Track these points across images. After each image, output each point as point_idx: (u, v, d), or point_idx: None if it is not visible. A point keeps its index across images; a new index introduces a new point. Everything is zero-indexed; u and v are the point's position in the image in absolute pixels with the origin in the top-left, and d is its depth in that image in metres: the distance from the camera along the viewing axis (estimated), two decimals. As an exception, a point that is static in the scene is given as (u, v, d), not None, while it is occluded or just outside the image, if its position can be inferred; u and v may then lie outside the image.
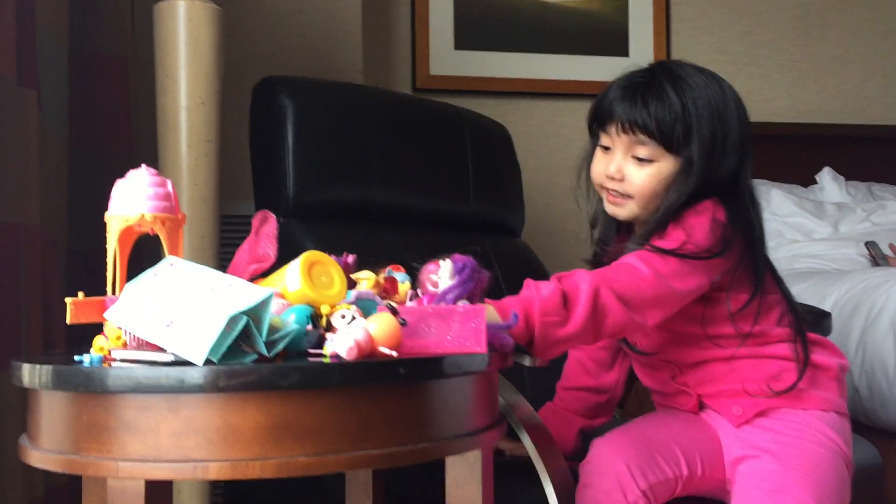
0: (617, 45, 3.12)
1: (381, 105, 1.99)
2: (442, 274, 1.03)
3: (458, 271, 1.01)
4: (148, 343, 0.87)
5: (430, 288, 1.04)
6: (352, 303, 1.01)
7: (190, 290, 0.89)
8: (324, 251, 1.85)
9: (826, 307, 2.09)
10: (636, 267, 1.15)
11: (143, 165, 1.02)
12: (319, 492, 1.42)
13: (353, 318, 0.91)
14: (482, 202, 2.14)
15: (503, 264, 2.11)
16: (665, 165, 1.23)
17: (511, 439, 1.36)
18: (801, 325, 1.26)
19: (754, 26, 3.24)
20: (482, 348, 0.91)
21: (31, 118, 1.40)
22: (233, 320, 0.83)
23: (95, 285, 1.61)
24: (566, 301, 1.09)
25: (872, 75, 3.30)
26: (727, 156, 1.22)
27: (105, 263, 1.00)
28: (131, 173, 1.02)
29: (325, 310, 0.93)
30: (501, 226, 2.22)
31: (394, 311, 0.90)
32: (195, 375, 0.80)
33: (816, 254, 2.73)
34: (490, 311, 1.05)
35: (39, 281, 1.38)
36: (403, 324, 0.89)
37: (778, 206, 2.95)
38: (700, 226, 1.19)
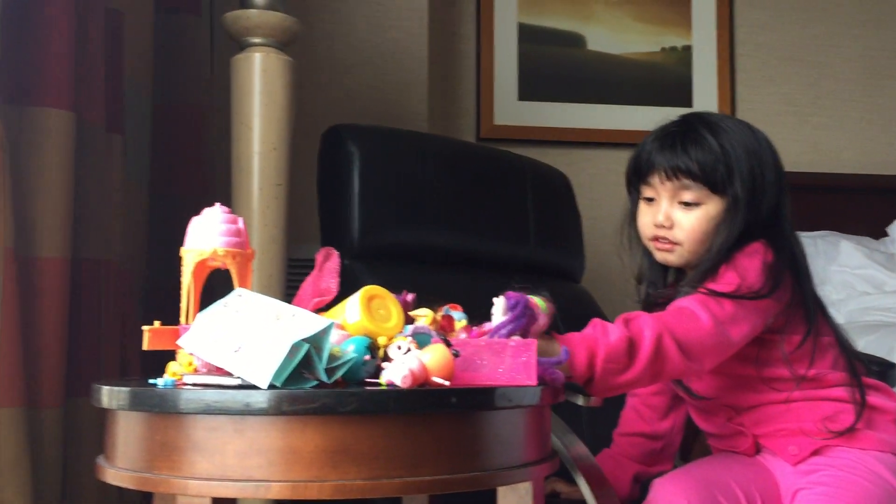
0: (680, 95, 3.14)
1: (444, 152, 2.05)
2: (495, 310, 1.06)
3: (510, 307, 1.04)
4: (217, 368, 0.93)
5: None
6: (408, 336, 1.05)
7: (256, 319, 0.94)
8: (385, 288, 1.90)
9: (894, 360, 2.04)
10: (695, 313, 1.16)
11: (217, 204, 1.09)
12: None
13: (409, 349, 0.95)
14: (542, 247, 2.17)
15: (561, 309, 2.11)
16: (712, 207, 1.26)
17: (568, 482, 1.38)
18: (855, 368, 1.26)
19: (820, 77, 3.23)
20: (532, 381, 0.94)
21: (117, 162, 1.50)
22: (295, 347, 0.88)
23: (170, 316, 1.69)
24: (631, 349, 1.11)
25: (941, 125, 3.25)
26: (767, 193, 1.26)
27: (180, 295, 1.06)
28: (206, 211, 1.09)
29: (382, 341, 0.97)
30: (561, 271, 2.24)
31: (447, 344, 0.94)
32: (260, 399, 0.85)
33: (888, 307, 2.67)
34: (548, 347, 1.08)
35: (119, 311, 1.47)
36: (456, 355, 0.93)
37: (848, 258, 2.90)
38: (753, 268, 1.21)
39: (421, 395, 0.88)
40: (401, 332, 1.02)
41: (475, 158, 2.15)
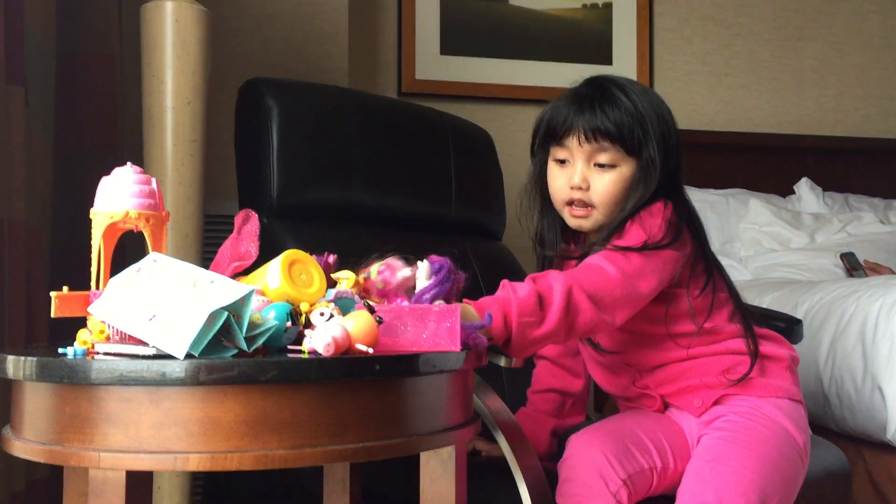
0: (600, 53, 3.17)
1: (365, 108, 2.01)
2: (419, 274, 1.05)
3: (434, 272, 1.04)
4: (130, 337, 0.89)
5: (393, 281, 1.07)
6: (331, 301, 1.03)
7: (172, 286, 0.91)
8: (306, 250, 1.88)
9: (798, 315, 2.13)
10: (603, 268, 1.19)
11: (129, 163, 1.05)
12: (297, 487, 1.45)
13: (332, 315, 0.93)
14: (464, 206, 2.17)
15: (483, 267, 2.14)
16: (626, 169, 1.28)
17: (488, 440, 1.40)
18: (749, 321, 1.33)
19: (734, 37, 3.29)
20: (456, 347, 0.94)
21: (18, 115, 1.42)
22: (213, 315, 0.85)
23: (79, 280, 1.63)
24: (541, 302, 1.13)
25: (850, 87, 3.36)
26: (673, 155, 1.30)
27: (89, 259, 1.02)
28: (117, 171, 1.04)
29: (304, 307, 0.96)
30: (483, 229, 2.25)
31: (371, 310, 0.93)
32: (176, 369, 0.82)
33: (793, 263, 2.78)
34: (468, 311, 1.08)
35: (24, 275, 1.40)
36: (380, 322, 0.92)
37: (756, 215, 3.00)
38: (656, 224, 1.25)
39: (343, 363, 0.86)
40: (323, 297, 1.01)
41: (397, 115, 2.12)
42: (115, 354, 0.90)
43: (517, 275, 2.19)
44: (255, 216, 1.09)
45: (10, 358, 0.89)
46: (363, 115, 1.98)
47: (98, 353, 0.91)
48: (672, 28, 3.23)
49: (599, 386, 1.44)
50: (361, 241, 1.92)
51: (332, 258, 1.24)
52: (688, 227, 1.29)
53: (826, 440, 1.63)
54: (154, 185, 1.05)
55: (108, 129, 1.78)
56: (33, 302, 1.44)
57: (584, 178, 1.29)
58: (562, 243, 1.38)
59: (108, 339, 0.94)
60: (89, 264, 1.04)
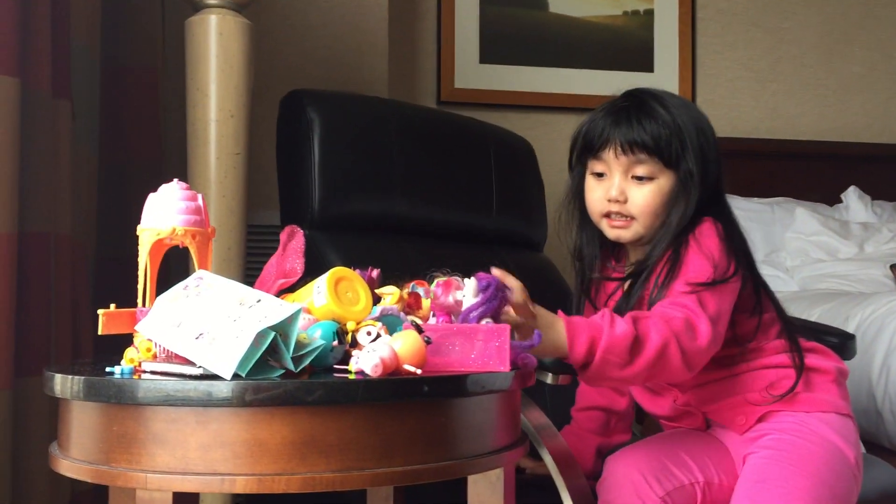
0: (642, 60, 3.13)
1: (406, 119, 2.00)
2: (466, 292, 1.03)
3: (482, 289, 1.02)
4: (177, 356, 0.89)
5: (445, 301, 1.05)
6: (377, 318, 1.02)
7: (219, 304, 0.90)
8: (347, 263, 1.86)
9: (849, 329, 2.07)
10: (698, 325, 1.15)
11: (175, 180, 1.04)
12: (341, 502, 1.44)
13: (379, 335, 0.92)
14: (505, 216, 2.15)
15: (524, 278, 2.10)
16: (665, 181, 1.26)
17: (533, 458, 1.37)
18: (794, 334, 1.29)
19: (779, 43, 3.23)
20: (505, 367, 0.92)
21: (64, 129, 1.43)
22: (261, 335, 0.84)
23: (123, 293, 1.63)
24: (635, 347, 1.10)
25: (899, 93, 3.28)
26: (713, 167, 1.27)
27: (134, 273, 1.02)
28: (163, 187, 1.04)
29: (350, 326, 0.94)
30: (524, 240, 2.22)
31: (419, 329, 0.91)
32: (223, 389, 0.82)
33: (841, 274, 2.71)
34: (557, 322, 1.07)
35: (69, 289, 1.41)
36: (428, 342, 0.90)
37: (802, 224, 2.93)
38: (715, 248, 1.22)
39: (391, 384, 0.85)
40: (369, 314, 0.99)
41: (438, 125, 2.10)
42: (161, 373, 0.89)
43: (559, 287, 2.17)
44: (300, 232, 1.08)
45: (58, 376, 0.89)
46: (404, 126, 1.97)
47: (145, 372, 0.91)
48: (715, 33, 3.18)
49: (641, 406, 1.41)
50: (402, 253, 1.91)
51: (375, 272, 1.22)
52: (738, 247, 1.26)
53: (880, 459, 1.58)
54: (200, 201, 1.05)
55: (152, 141, 1.79)
56: (79, 315, 1.45)
57: (622, 191, 1.26)
58: (601, 259, 1.36)
59: (154, 357, 0.93)
60: (133, 277, 1.04)
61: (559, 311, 1.11)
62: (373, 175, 1.89)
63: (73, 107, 1.49)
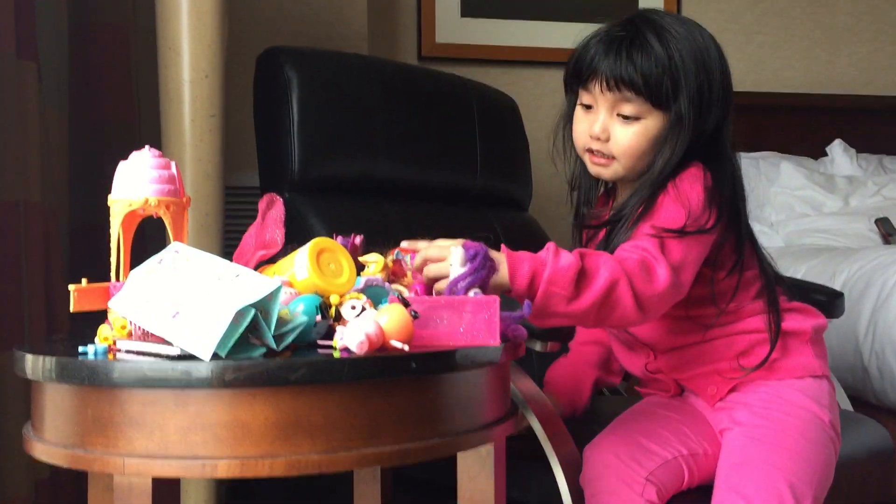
0: (627, 11, 3.05)
1: (387, 76, 1.95)
2: (452, 261, 1.00)
3: (469, 258, 0.98)
4: (153, 334, 0.85)
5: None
6: (361, 290, 0.98)
7: (196, 280, 0.86)
8: (329, 226, 1.83)
9: (836, 285, 2.07)
10: (655, 267, 1.09)
11: (147, 147, 0.99)
12: (327, 483, 1.42)
13: (364, 308, 0.88)
14: (490, 176, 2.11)
15: (510, 239, 2.08)
16: (652, 122, 1.18)
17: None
18: (775, 298, 1.23)
19: (765, -7, 3.18)
20: (495, 340, 0.89)
21: (31, 92, 1.37)
22: (240, 313, 0.81)
23: (99, 262, 1.59)
24: (581, 278, 1.04)
25: (884, 45, 3.24)
26: (713, 110, 1.17)
27: (107, 238, 0.97)
28: (134, 155, 0.99)
29: (334, 299, 0.91)
30: (509, 200, 2.19)
31: (405, 303, 0.88)
32: (202, 370, 0.78)
33: (826, 228, 2.70)
34: (501, 266, 1.02)
35: (42, 258, 1.36)
36: (415, 316, 0.87)
37: (788, 178, 2.91)
38: (695, 197, 1.15)
39: (378, 361, 0.82)
40: (353, 286, 0.96)
41: (420, 83, 2.05)
42: (137, 353, 0.85)
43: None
44: (279, 201, 1.04)
45: (29, 357, 0.85)
46: (386, 84, 1.92)
47: (120, 351, 0.87)
48: (701, -16, 3.12)
49: (620, 361, 1.38)
50: (385, 215, 1.88)
51: (358, 239, 1.19)
52: (727, 199, 1.18)
53: (867, 417, 1.58)
54: (174, 169, 1.00)
55: (125, 102, 1.73)
56: (52, 286, 1.40)
57: (605, 129, 1.19)
58: (595, 192, 1.29)
59: (130, 335, 0.90)
60: (107, 244, 0.99)
61: (502, 246, 1.04)
62: (354, 135, 1.84)
63: (41, 68, 1.43)
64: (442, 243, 1.03)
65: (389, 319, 0.85)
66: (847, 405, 1.77)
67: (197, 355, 0.79)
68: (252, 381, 0.78)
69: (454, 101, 2.09)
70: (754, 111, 3.07)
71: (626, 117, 1.18)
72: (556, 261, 1.04)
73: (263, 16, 2.31)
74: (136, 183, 0.96)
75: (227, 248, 1.78)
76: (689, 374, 1.26)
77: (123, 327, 0.90)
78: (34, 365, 0.85)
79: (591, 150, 1.22)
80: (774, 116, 3.10)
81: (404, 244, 1.07)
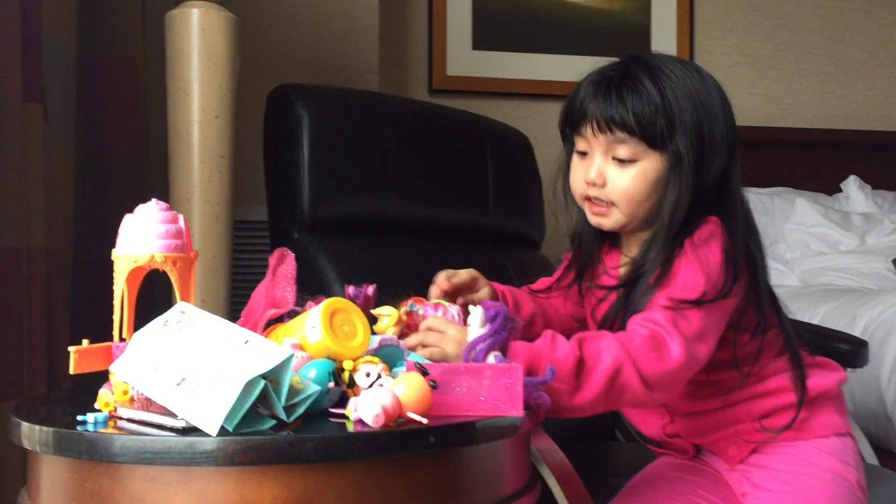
0: (639, 45, 3.04)
1: (399, 114, 1.92)
2: (472, 321, 0.96)
3: (489, 319, 0.94)
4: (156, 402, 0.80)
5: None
6: (375, 350, 0.94)
7: (202, 345, 0.82)
8: (339, 268, 1.78)
9: (856, 330, 2.01)
10: (666, 343, 1.02)
11: (154, 200, 0.95)
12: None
13: (379, 376, 0.84)
14: (502, 214, 2.07)
15: (522, 279, 2.03)
16: (650, 164, 1.11)
17: None
18: (798, 355, 1.16)
19: (779, 28, 3.15)
20: (518, 410, 0.84)
21: (36, 134, 1.33)
22: (250, 383, 0.76)
23: (104, 300, 1.54)
24: (580, 369, 0.98)
25: (900, 81, 3.21)
26: (715, 152, 1.11)
27: (111, 278, 0.93)
28: (140, 209, 0.95)
29: (347, 365, 0.86)
30: (522, 238, 2.15)
31: (423, 371, 0.83)
32: (207, 445, 0.74)
33: (843, 267, 2.65)
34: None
35: (44, 304, 1.32)
36: (434, 387, 0.82)
37: (803, 215, 2.87)
38: (714, 259, 1.08)
39: (394, 435, 0.77)
40: (367, 349, 0.91)
41: (432, 120, 2.02)
42: (139, 422, 0.81)
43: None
44: (290, 256, 1.00)
45: (25, 426, 0.81)
46: (398, 122, 1.89)
47: (121, 419, 0.82)
48: (713, 18, 3.10)
49: (631, 423, 1.32)
50: (396, 255, 1.83)
51: (370, 289, 1.15)
52: (743, 254, 1.11)
53: (892, 472, 1.52)
54: (181, 222, 0.96)
55: (134, 136, 1.70)
56: (54, 333, 1.36)
57: (601, 173, 1.13)
58: (596, 244, 1.23)
59: (131, 401, 0.85)
60: (111, 284, 0.95)
61: None
62: (365, 174, 1.81)
63: (47, 109, 1.39)
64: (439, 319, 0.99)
65: (406, 390, 0.80)
66: (872, 457, 1.71)
67: (203, 429, 0.75)
68: (261, 458, 0.73)
69: (467, 139, 2.05)
70: (768, 146, 3.03)
71: (621, 160, 1.12)
72: (553, 354, 0.97)
73: (273, 47, 2.29)
74: (141, 238, 0.92)
75: (234, 284, 1.74)
76: (709, 438, 1.21)
77: (125, 392, 0.85)
78: (30, 434, 0.81)
79: (589, 198, 1.16)
80: (788, 152, 3.06)
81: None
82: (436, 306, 1.12)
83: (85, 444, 0.76)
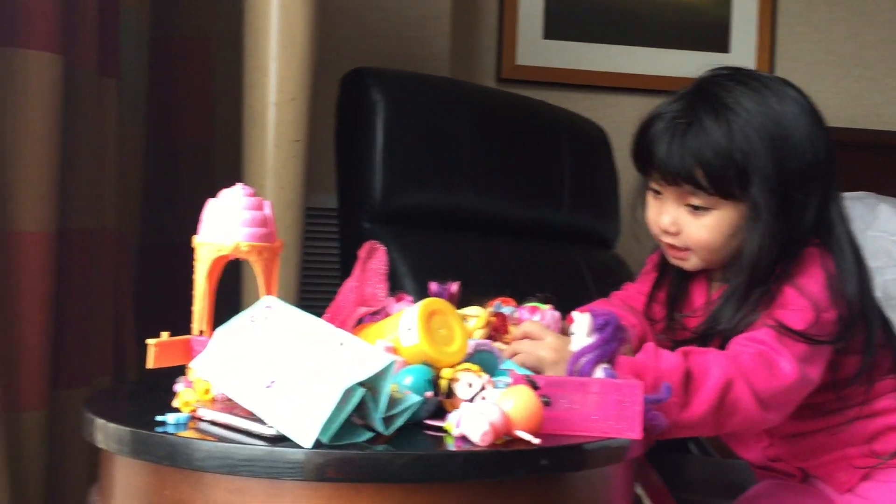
0: (717, 39, 2.92)
1: (475, 102, 1.84)
2: (577, 329, 0.88)
3: (597, 328, 0.86)
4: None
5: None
6: (470, 356, 0.87)
7: (292, 344, 0.75)
8: (410, 261, 1.71)
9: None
10: (777, 360, 0.95)
11: (240, 185, 0.89)
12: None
13: (483, 387, 0.76)
14: (576, 210, 1.98)
15: (597, 280, 1.95)
16: (725, 214, 1.03)
17: None
18: None
19: (865, 25, 3.01)
20: (635, 433, 0.76)
21: (111, 111, 1.28)
22: (347, 392, 0.69)
23: (169, 284, 1.50)
24: (688, 382, 0.91)
25: None
26: (803, 191, 1.00)
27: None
28: (225, 193, 0.89)
29: (446, 373, 0.79)
30: (596, 237, 2.06)
31: (533, 385, 0.75)
32: (300, 458, 0.67)
33: (929, 279, 2.51)
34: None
35: (112, 290, 1.27)
36: (547, 403, 0.74)
37: (886, 222, 2.73)
38: (818, 288, 0.99)
39: (503, 457, 0.70)
40: (464, 356, 0.84)
41: (509, 110, 1.94)
42: (223, 425, 0.74)
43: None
44: (381, 250, 0.93)
45: (99, 423, 0.75)
46: (474, 110, 1.81)
47: (202, 420, 0.76)
48: (797, 13, 2.96)
49: (729, 446, 1.23)
50: (467, 252, 1.76)
51: (454, 287, 1.08)
52: (851, 280, 1.02)
53: None
54: (267, 209, 0.89)
55: (202, 121, 1.64)
56: (122, 318, 1.31)
57: (674, 221, 1.05)
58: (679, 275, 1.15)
59: (213, 400, 0.79)
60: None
61: None
62: (439, 164, 1.74)
63: (121, 84, 1.34)
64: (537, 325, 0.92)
65: (516, 405, 0.72)
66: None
67: (296, 440, 0.68)
68: (357, 474, 0.66)
69: (543, 131, 1.97)
70: (850, 149, 2.88)
71: (695, 207, 1.04)
72: (658, 363, 0.90)
73: (344, 32, 2.22)
74: (226, 225, 0.86)
75: (303, 283, 1.68)
76: (814, 462, 1.12)
77: (207, 391, 0.79)
78: (105, 433, 0.75)
79: (664, 241, 1.09)
80: (871, 155, 2.92)
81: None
82: (532, 309, 1.05)
83: (166, 449, 0.70)
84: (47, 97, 1.09)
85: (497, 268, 1.75)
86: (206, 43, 1.65)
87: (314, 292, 1.92)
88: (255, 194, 0.89)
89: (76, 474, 1.13)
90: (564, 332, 0.97)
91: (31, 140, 1.08)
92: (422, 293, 1.12)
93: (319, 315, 0.92)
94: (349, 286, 0.91)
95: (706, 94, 1.04)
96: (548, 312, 0.99)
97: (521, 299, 1.10)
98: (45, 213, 1.08)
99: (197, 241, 0.88)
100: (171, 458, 0.70)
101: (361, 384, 0.70)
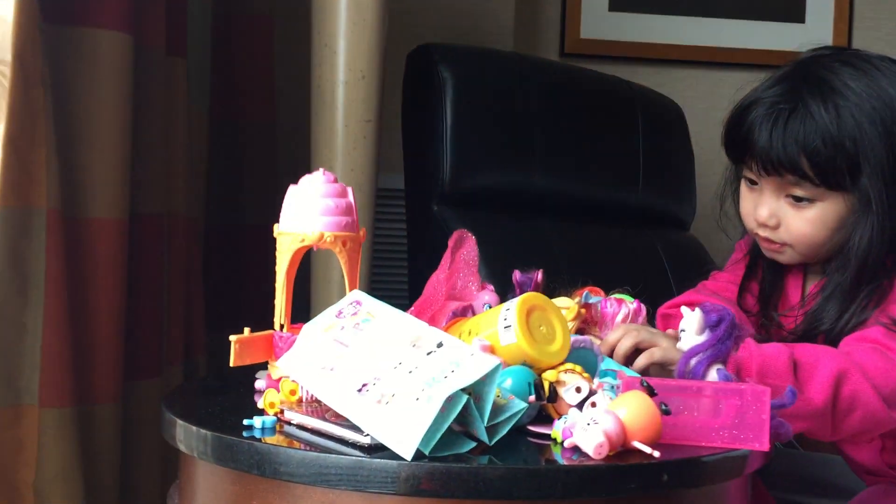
0: (792, 9, 2.78)
1: (547, 78, 1.76)
2: (686, 325, 0.81)
3: (710, 325, 0.79)
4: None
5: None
6: (569, 352, 0.80)
7: (386, 345, 0.69)
8: (482, 245, 1.65)
9: None
10: (893, 357, 0.87)
11: (321, 170, 0.83)
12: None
13: (593, 392, 0.70)
14: (651, 191, 1.90)
15: (673, 263, 1.87)
16: (831, 206, 0.96)
17: None
18: None
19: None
20: (763, 444, 0.69)
21: (180, 91, 1.24)
22: (449, 398, 0.63)
23: (232, 267, 1.45)
24: (797, 370, 0.83)
25: None
26: None
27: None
28: (306, 179, 0.83)
29: (549, 375, 0.73)
30: (671, 218, 1.97)
31: (650, 391, 0.68)
32: (398, 471, 0.61)
33: None
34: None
35: (183, 278, 1.23)
36: (666, 412, 0.67)
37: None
38: None
39: (621, 471, 0.63)
40: (566, 355, 0.77)
41: (582, 86, 1.85)
42: (312, 430, 0.69)
43: (708, 272, 1.92)
44: (471, 239, 0.87)
45: (181, 426, 0.71)
46: (546, 87, 1.74)
47: (289, 424, 0.71)
48: (878, -16, 2.81)
49: (841, 450, 1.14)
50: (542, 236, 1.69)
51: (539, 275, 1.01)
52: None
53: None
54: (350, 197, 0.84)
55: (265, 99, 1.60)
56: (192, 306, 1.27)
57: (773, 214, 0.98)
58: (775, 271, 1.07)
59: (300, 402, 0.74)
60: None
61: None
62: (510, 144, 1.67)
63: (188, 64, 1.30)
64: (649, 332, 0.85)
65: (630, 413, 0.66)
66: None
67: (395, 450, 0.62)
68: (463, 491, 0.61)
69: (617, 108, 1.89)
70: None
71: (797, 198, 0.96)
72: (760, 349, 0.82)
73: (407, 6, 2.16)
74: (309, 214, 0.81)
75: (375, 269, 1.63)
76: None
77: (293, 392, 0.74)
78: (187, 437, 0.70)
79: (759, 235, 1.01)
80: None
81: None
82: (619, 301, 0.98)
83: (255, 457, 0.65)
84: (118, 77, 1.05)
85: (572, 252, 1.68)
86: (269, 20, 1.60)
87: (381, 277, 1.87)
88: (337, 180, 0.84)
89: (149, 468, 1.10)
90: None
91: (103, 122, 1.04)
92: (494, 280, 1.06)
93: (404, 309, 0.87)
94: (438, 278, 0.85)
95: (810, 77, 0.96)
96: (630, 304, 0.93)
97: (606, 289, 1.04)
98: (117, 198, 1.05)
99: (278, 230, 0.83)
100: (259, 466, 0.65)
101: (464, 390, 0.64)
